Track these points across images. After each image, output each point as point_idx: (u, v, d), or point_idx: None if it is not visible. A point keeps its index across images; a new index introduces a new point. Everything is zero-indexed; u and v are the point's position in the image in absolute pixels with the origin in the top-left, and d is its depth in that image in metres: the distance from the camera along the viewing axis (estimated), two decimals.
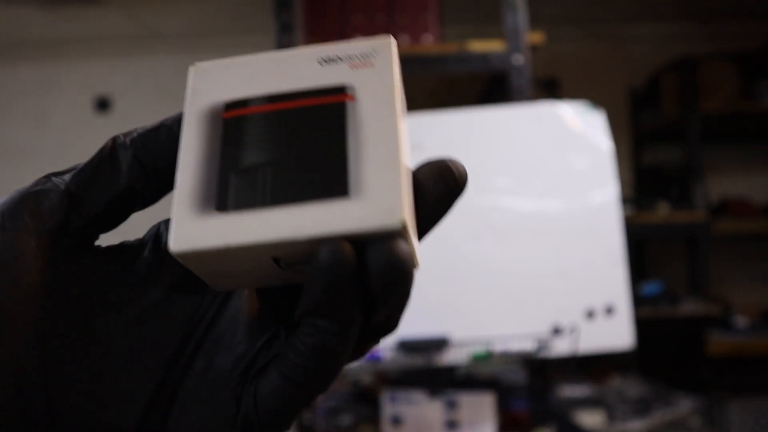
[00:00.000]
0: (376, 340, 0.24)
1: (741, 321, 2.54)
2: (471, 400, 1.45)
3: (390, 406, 1.49)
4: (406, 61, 1.53)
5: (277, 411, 0.23)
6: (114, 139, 0.26)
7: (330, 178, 0.22)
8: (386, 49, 0.25)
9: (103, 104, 3.19)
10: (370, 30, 1.60)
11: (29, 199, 0.24)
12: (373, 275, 0.21)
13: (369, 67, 0.24)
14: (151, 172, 0.25)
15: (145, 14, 2.87)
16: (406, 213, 0.21)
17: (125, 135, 0.26)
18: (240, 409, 0.24)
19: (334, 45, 0.25)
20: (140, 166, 0.25)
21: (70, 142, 3.16)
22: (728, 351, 2.44)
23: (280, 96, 0.24)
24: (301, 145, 0.23)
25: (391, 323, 0.23)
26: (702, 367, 2.47)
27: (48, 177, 0.25)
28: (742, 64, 2.67)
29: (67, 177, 0.25)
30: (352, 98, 0.24)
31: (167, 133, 0.25)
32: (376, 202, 0.21)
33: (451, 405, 1.45)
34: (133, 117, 3.17)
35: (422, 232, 0.24)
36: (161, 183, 0.26)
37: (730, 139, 3.04)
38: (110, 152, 0.25)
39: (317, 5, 1.62)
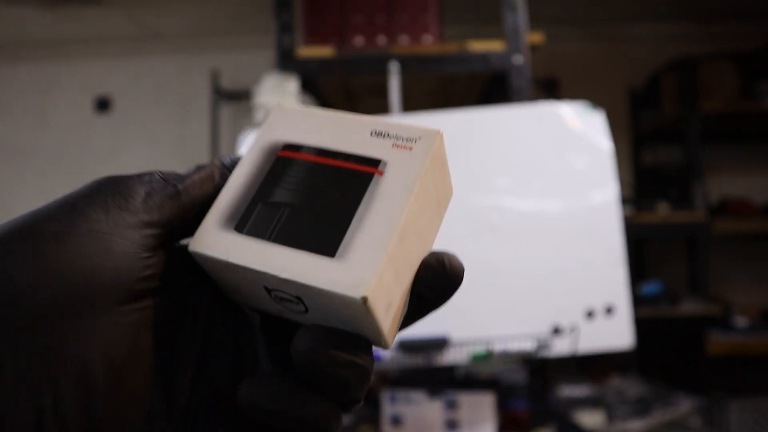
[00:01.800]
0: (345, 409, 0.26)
1: (741, 321, 2.54)
2: (471, 400, 1.45)
3: (390, 406, 1.49)
4: (406, 61, 1.54)
5: None
6: (221, 160, 0.29)
7: (327, 237, 0.25)
8: (430, 139, 0.27)
9: (103, 104, 3.19)
10: (370, 30, 1.60)
11: (139, 187, 0.25)
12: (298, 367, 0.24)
13: (407, 150, 0.27)
14: None
15: (145, 14, 2.87)
16: (374, 290, 0.23)
17: (232, 158, 0.29)
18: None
19: (391, 122, 0.28)
20: None
21: (70, 142, 3.16)
22: (728, 351, 2.44)
23: (327, 152, 0.28)
24: (321, 198, 0.26)
25: (351, 402, 0.25)
26: (702, 367, 2.47)
27: (153, 174, 0.26)
28: (742, 64, 2.67)
29: (174, 178, 0.26)
30: (381, 173, 0.26)
31: None
32: (353, 270, 0.24)
33: (451, 405, 1.45)
34: (133, 117, 3.18)
35: (411, 318, 0.26)
36: None
37: (729, 139, 3.04)
38: (220, 171, 0.28)
39: (317, 5, 1.61)
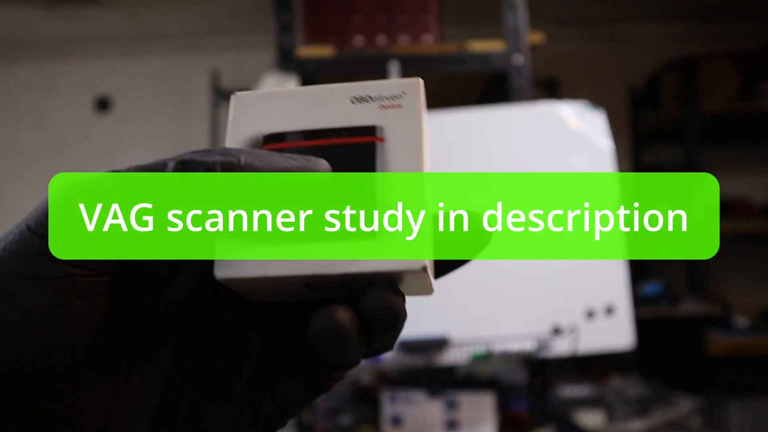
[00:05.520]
0: (374, 356, 0.26)
1: (740, 321, 2.54)
2: (471, 400, 1.45)
3: (390, 406, 1.49)
4: (406, 61, 1.54)
5: (296, 408, 0.26)
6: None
7: (360, 220, 0.24)
8: (415, 91, 0.26)
9: (103, 104, 3.19)
10: (370, 30, 1.60)
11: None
12: (371, 319, 0.23)
13: (397, 108, 0.26)
14: None
15: (145, 14, 2.87)
16: (427, 256, 0.24)
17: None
18: (260, 411, 0.25)
19: (365, 83, 0.26)
20: None
21: (70, 142, 3.16)
22: (728, 351, 2.44)
23: (315, 132, 0.25)
24: None
25: (386, 348, 0.26)
26: (702, 367, 2.47)
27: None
28: (742, 64, 2.67)
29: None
30: (381, 139, 0.25)
31: None
32: (402, 246, 0.23)
33: (451, 405, 1.45)
34: (133, 117, 3.18)
35: (442, 271, 0.26)
36: None
37: (729, 139, 3.04)
38: None
39: (317, 5, 1.62)
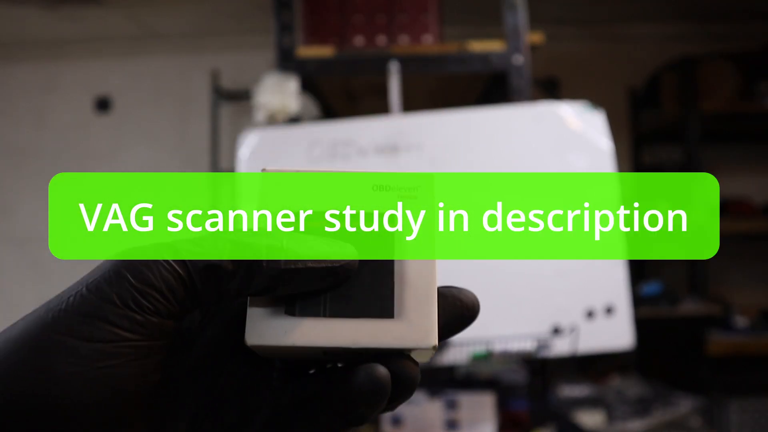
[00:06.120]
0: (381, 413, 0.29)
1: (740, 321, 2.54)
2: (471, 400, 1.45)
3: None
4: (406, 61, 1.54)
5: None
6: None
7: (380, 301, 0.27)
8: (429, 184, 0.29)
9: (103, 104, 3.19)
10: (370, 30, 1.60)
11: (158, 283, 0.25)
12: (396, 384, 0.26)
13: (413, 200, 0.29)
14: None
15: (145, 14, 2.87)
16: (437, 336, 0.27)
17: None
18: None
19: (385, 174, 0.30)
20: None
21: (70, 143, 3.16)
22: (728, 351, 2.44)
23: (340, 216, 0.29)
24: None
25: (393, 408, 0.28)
26: (702, 367, 2.47)
27: (171, 263, 0.25)
28: (742, 64, 2.67)
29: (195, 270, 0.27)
30: (400, 228, 0.29)
31: None
32: (416, 325, 0.27)
33: (451, 405, 1.45)
34: (133, 117, 3.18)
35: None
36: None
37: (729, 139, 3.04)
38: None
39: (317, 5, 1.61)
